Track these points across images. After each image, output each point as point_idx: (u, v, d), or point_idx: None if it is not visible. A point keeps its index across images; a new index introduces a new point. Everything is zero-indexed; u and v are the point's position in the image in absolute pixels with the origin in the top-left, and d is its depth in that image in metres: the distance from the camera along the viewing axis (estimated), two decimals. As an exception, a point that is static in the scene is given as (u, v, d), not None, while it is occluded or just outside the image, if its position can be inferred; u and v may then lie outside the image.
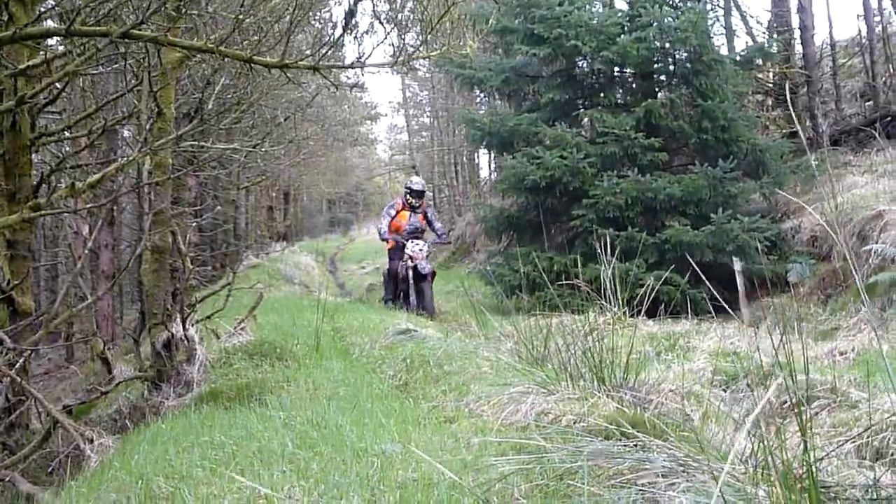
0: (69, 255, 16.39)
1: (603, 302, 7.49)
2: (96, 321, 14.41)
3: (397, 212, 13.60)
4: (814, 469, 2.57)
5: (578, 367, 5.64)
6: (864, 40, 17.62)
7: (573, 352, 5.91)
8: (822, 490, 2.68)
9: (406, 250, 13.08)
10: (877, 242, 10.95)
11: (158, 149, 6.94)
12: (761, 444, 2.79)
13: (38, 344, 6.72)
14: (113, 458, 5.59)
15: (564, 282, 11.01)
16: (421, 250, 13.06)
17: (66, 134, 8.30)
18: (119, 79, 10.98)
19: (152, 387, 8.03)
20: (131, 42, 6.18)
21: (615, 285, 6.80)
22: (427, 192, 14.30)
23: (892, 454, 4.31)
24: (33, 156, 7.55)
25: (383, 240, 13.52)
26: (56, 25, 7.18)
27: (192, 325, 8.67)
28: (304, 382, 7.30)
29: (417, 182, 13.95)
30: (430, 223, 13.92)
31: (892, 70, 16.15)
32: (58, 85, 6.68)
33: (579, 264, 11.90)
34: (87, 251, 8.65)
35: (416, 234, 13.51)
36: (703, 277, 3.81)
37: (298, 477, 3.88)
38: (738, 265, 11.37)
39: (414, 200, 13.58)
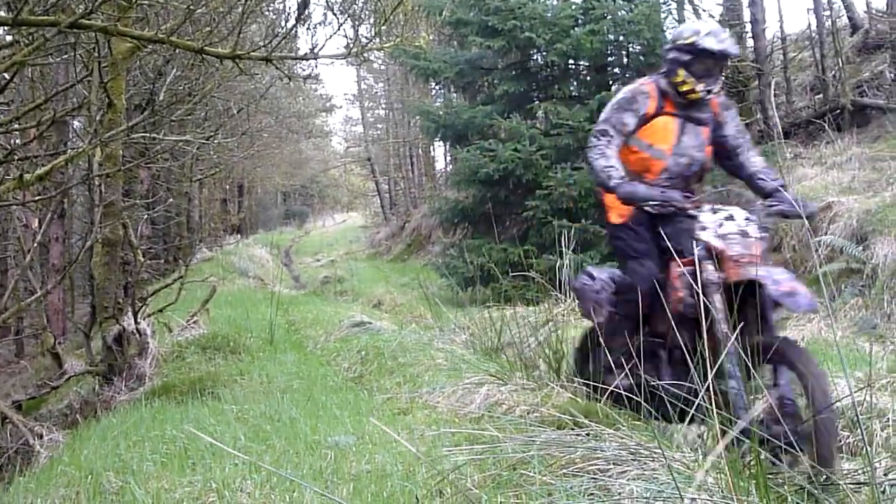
0: (18, 248, 16.14)
1: (557, 293, 7.54)
2: (46, 315, 14.21)
3: (645, 117, 4.97)
4: (762, 456, 2.61)
5: (533, 358, 5.67)
6: (814, 34, 17.82)
7: (528, 343, 5.94)
8: (770, 476, 2.72)
9: (700, 232, 4.35)
10: (826, 234, 11.10)
11: (109, 140, 6.85)
12: (711, 432, 2.82)
13: (-15, 338, 6.61)
14: (63, 453, 5.53)
15: (519, 273, 11.07)
16: (749, 238, 4.31)
17: (15, 125, 8.17)
18: (69, 69, 10.82)
19: (103, 381, 7.96)
20: (81, 32, 6.08)
21: (570, 276, 6.84)
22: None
23: (839, 441, 4.37)
24: (-20, 147, 7.43)
25: (609, 190, 4.67)
26: (3, 14, 7.05)
27: (144, 319, 8.60)
28: (258, 376, 7.27)
29: (714, 33, 4.75)
30: (732, 152, 5.10)
31: (841, 64, 16.33)
32: (5, 75, 6.57)
33: (533, 256, 12.00)
34: (36, 244, 8.53)
35: (690, 180, 5.06)
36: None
37: (251, 470, 3.86)
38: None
39: (701, 87, 4.78)
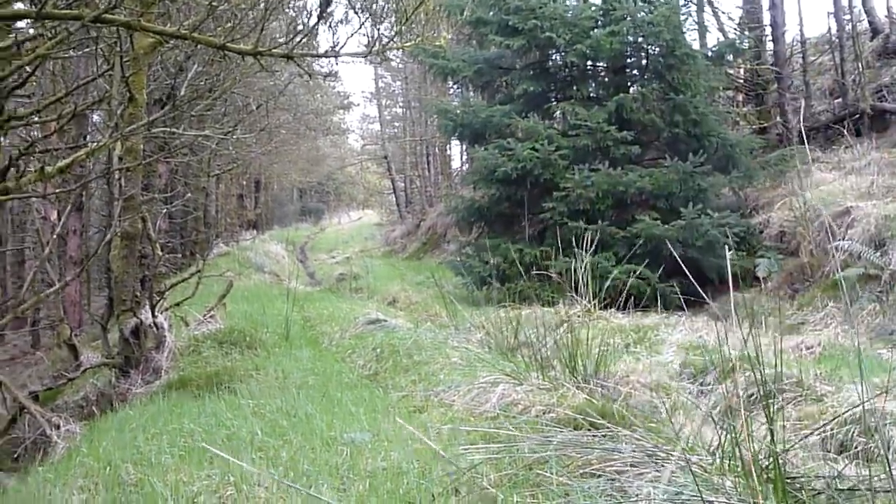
0: (37, 240, 16.26)
1: (574, 294, 7.54)
2: (63, 307, 14.29)
3: None
4: (780, 460, 2.60)
5: (549, 359, 5.67)
6: (833, 38, 17.75)
7: (544, 343, 5.93)
8: (788, 481, 2.71)
9: None
10: (843, 239, 11.05)
11: (129, 134, 6.88)
12: (728, 436, 2.82)
13: (3, 330, 6.65)
14: (80, 444, 5.56)
15: (535, 273, 11.04)
16: None
17: (36, 118, 8.22)
18: (90, 63, 10.87)
19: (120, 374, 8.00)
20: (103, 26, 6.11)
21: (586, 278, 6.84)
22: None
23: (856, 446, 4.36)
24: (1, 139, 7.47)
25: None
26: (26, 8, 7.10)
27: (161, 313, 8.64)
28: (274, 371, 7.30)
29: None
30: None
31: (860, 68, 16.27)
32: (28, 68, 6.61)
33: (550, 257, 11.99)
34: (55, 237, 8.58)
35: None
36: (683, 270, 3.84)
37: (268, 465, 3.88)
38: (728, 254, 11.45)
39: None
